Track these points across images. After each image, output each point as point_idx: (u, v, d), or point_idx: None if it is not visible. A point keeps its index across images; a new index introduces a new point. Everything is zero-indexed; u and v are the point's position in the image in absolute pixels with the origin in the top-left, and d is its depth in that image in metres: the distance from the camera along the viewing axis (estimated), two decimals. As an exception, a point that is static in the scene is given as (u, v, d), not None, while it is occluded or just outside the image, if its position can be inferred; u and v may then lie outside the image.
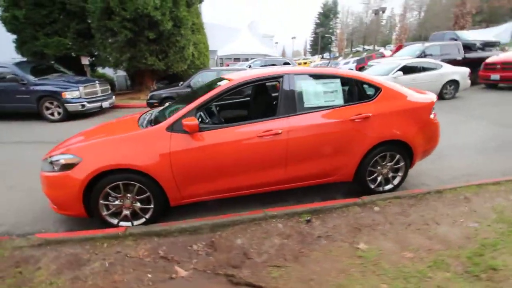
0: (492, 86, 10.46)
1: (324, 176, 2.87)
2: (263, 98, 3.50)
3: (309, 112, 2.69)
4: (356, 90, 2.88)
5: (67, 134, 3.37)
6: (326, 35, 62.26)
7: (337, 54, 56.84)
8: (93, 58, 12.14)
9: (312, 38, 69.08)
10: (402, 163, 3.02)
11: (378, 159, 2.93)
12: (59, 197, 2.43)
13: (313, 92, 2.75)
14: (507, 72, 9.68)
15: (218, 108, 3.08)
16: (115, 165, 2.31)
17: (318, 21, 65.58)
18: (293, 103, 2.66)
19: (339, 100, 2.80)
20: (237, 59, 29.29)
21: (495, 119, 6.24)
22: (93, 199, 2.39)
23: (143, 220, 2.55)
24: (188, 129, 2.35)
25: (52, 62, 9.88)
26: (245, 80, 2.65)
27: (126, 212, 2.51)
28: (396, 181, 3.09)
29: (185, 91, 7.93)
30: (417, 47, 11.83)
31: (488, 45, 13.08)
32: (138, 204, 2.51)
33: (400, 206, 2.76)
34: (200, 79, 8.41)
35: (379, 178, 3.04)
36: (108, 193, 2.41)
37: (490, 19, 38.32)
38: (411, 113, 2.95)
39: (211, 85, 2.99)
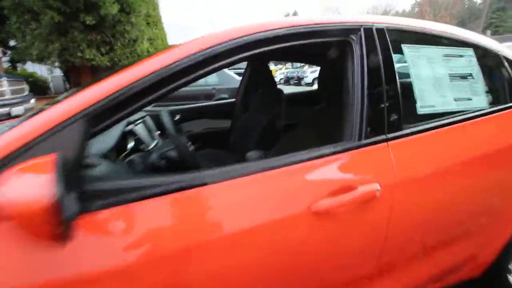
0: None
1: (440, 278, 1.23)
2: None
3: (430, 129, 1.03)
4: (503, 77, 1.30)
5: None
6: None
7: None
8: (9, 51, 9.32)
9: (274, 47, 69.40)
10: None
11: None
12: None
13: (432, 76, 1.09)
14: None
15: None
16: None
17: (280, 30, 66.39)
18: (395, 105, 0.99)
19: (480, 98, 1.19)
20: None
21: None
22: None
23: None
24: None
25: None
26: (267, 28, 0.88)
27: None
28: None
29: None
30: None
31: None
32: None
33: None
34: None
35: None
36: None
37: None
38: None
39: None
